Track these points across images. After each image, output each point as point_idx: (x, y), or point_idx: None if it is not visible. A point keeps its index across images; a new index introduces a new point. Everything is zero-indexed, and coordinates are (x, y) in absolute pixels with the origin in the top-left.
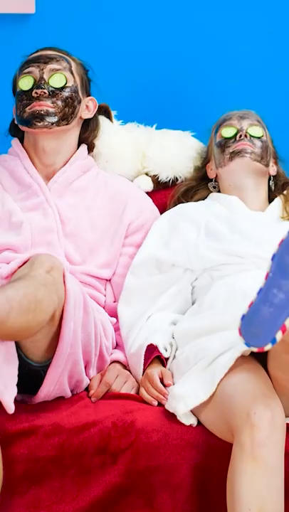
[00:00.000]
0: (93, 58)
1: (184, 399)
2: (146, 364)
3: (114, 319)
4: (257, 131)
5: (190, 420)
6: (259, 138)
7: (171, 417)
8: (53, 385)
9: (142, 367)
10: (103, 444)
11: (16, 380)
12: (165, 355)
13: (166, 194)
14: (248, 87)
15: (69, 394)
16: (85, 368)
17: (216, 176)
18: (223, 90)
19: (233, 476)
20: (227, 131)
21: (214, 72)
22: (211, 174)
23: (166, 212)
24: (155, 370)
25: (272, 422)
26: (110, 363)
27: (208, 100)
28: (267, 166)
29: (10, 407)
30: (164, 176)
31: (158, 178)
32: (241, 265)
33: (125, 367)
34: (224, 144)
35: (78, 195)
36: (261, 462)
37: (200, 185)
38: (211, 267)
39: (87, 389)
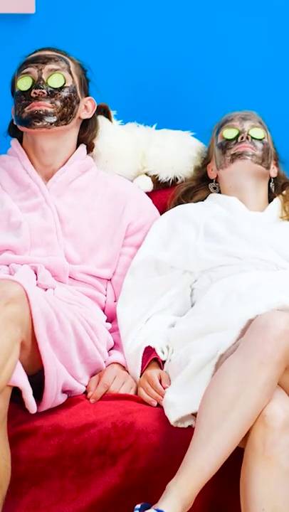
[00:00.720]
0: (93, 58)
1: (175, 407)
2: (144, 366)
3: (109, 325)
4: (258, 133)
5: (186, 423)
6: (260, 140)
7: None
8: (50, 404)
9: (140, 368)
10: (103, 444)
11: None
12: (162, 357)
13: (166, 194)
14: (248, 87)
15: (65, 398)
16: (74, 377)
17: (217, 176)
18: (223, 90)
19: (246, 476)
20: (228, 133)
21: (214, 72)
22: (212, 175)
23: (166, 213)
24: (154, 372)
25: (285, 422)
26: (109, 364)
27: (208, 100)
28: (268, 168)
29: (34, 407)
30: (164, 176)
31: (158, 178)
32: (240, 266)
33: (124, 368)
34: (225, 145)
35: (77, 195)
36: (274, 462)
37: (200, 185)
38: (210, 269)
39: (85, 391)
